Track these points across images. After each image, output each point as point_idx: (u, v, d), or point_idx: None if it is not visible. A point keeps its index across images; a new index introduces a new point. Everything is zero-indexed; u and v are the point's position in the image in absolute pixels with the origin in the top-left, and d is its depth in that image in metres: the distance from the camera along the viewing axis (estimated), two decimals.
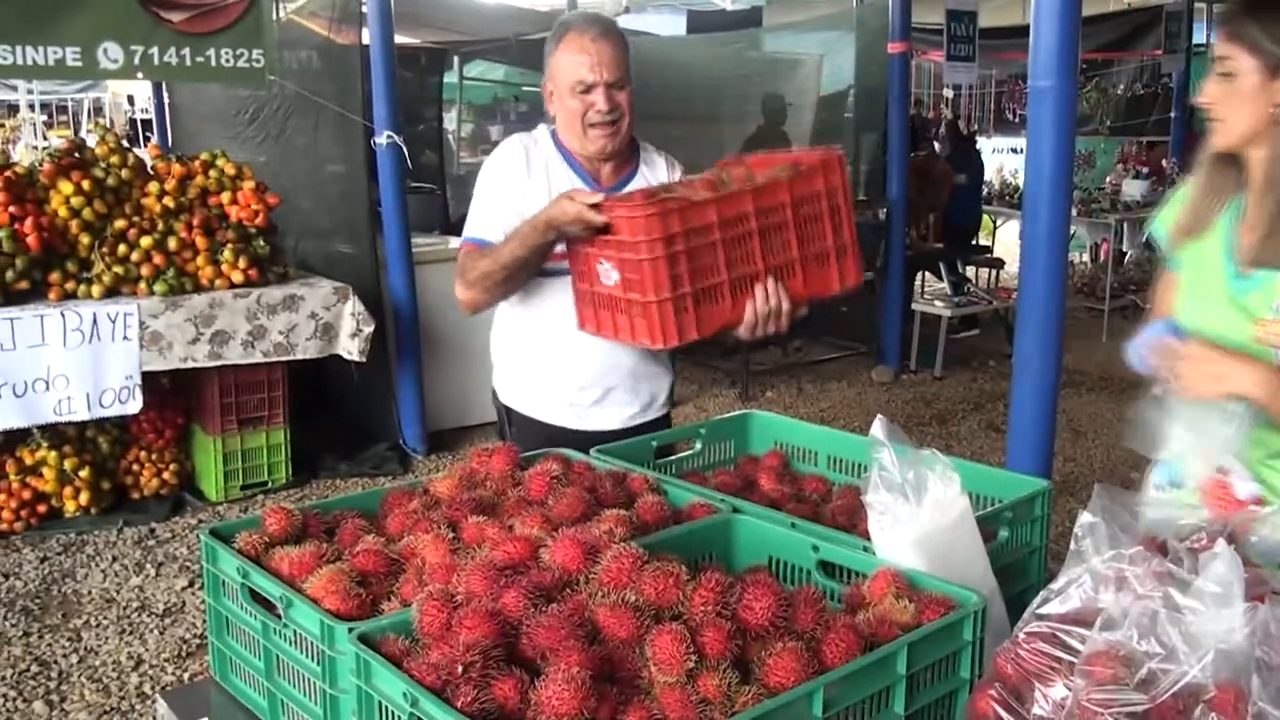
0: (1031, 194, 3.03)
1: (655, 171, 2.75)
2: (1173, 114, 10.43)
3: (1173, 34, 9.85)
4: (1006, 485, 2.04)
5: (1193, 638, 1.25)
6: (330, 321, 5.38)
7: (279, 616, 1.58)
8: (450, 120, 12.23)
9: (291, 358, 5.33)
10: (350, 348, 5.41)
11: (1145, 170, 9.86)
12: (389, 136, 5.81)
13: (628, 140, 2.70)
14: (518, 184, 2.65)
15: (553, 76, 2.63)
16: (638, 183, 2.69)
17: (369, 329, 5.42)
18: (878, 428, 1.73)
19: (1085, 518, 1.42)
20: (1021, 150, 13.57)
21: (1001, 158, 13.46)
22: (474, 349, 6.65)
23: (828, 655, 1.39)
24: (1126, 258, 10.27)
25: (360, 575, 1.61)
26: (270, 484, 5.53)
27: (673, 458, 2.31)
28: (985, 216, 10.77)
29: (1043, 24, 2.94)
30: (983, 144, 12.78)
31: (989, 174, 12.53)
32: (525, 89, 15.41)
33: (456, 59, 11.28)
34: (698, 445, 2.35)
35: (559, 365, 2.71)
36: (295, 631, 1.55)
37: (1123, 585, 1.36)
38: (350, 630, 1.42)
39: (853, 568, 1.69)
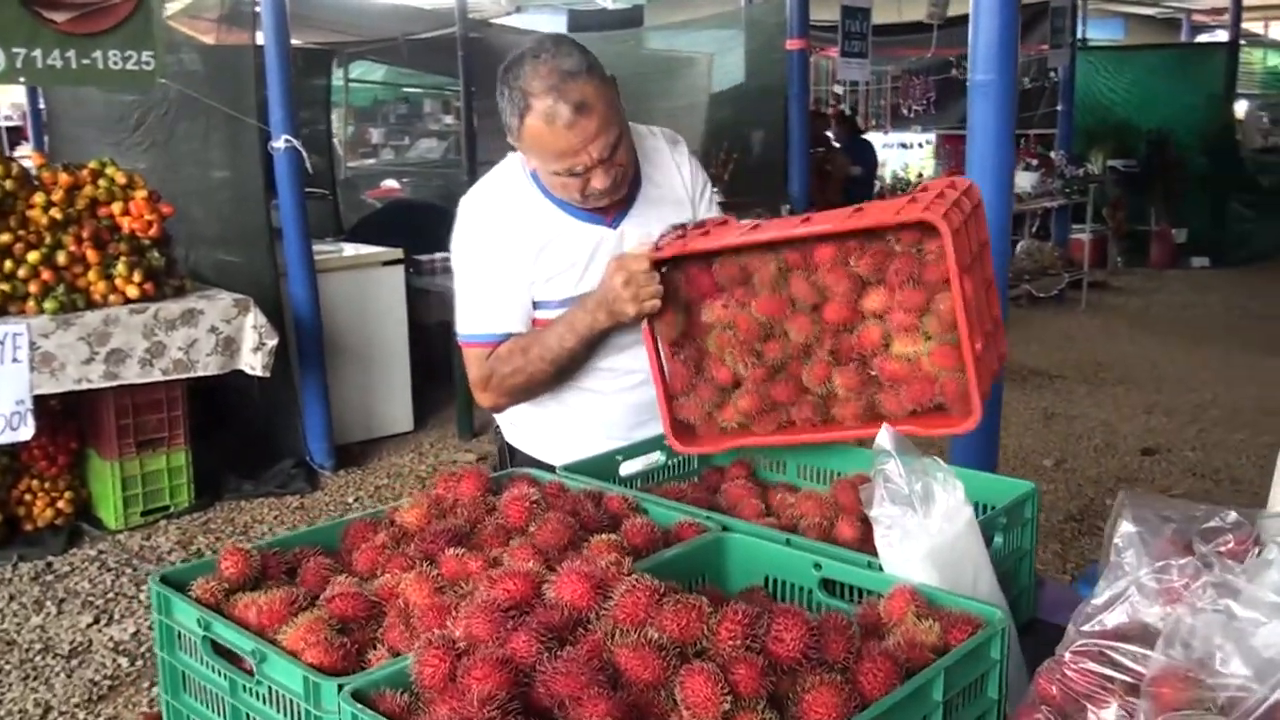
0: None
1: (658, 165, 2.42)
2: (1059, 107, 10.67)
3: (1058, 29, 10.06)
4: (990, 489, 1.98)
5: (1254, 651, 1.19)
6: (231, 335, 5.14)
7: (248, 671, 1.43)
8: (335, 123, 11.91)
9: (192, 375, 5.08)
10: (253, 362, 5.18)
11: (1035, 163, 10.06)
12: (287, 140, 5.59)
13: None
14: (512, 252, 2.30)
15: (523, 148, 2.22)
16: (645, 192, 2.38)
17: (272, 342, 5.20)
18: (884, 438, 1.65)
19: (1125, 527, 1.36)
20: (911, 145, 13.79)
21: (892, 153, 13.64)
22: (379, 358, 6.51)
23: (865, 686, 1.30)
24: (1018, 247, 10.46)
25: (339, 621, 1.47)
26: (173, 508, 5.27)
27: (635, 471, 2.19)
28: None
29: (982, 18, 2.90)
30: (874, 139, 12.94)
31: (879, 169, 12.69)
32: (408, 90, 15.17)
33: (335, 60, 10.96)
34: (662, 457, 2.25)
35: (591, 411, 2.44)
36: (270, 688, 1.41)
37: (1173, 598, 1.30)
38: (341, 686, 1.28)
39: (861, 586, 1.61)
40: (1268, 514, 1.47)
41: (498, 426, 2.62)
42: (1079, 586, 1.83)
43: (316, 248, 6.28)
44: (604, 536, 1.63)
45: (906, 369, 1.94)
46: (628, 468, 2.19)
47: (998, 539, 1.82)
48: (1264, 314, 9.73)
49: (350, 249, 6.79)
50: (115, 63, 4.95)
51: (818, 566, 1.64)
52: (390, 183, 12.34)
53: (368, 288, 6.40)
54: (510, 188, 2.35)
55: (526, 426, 2.52)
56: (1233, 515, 1.45)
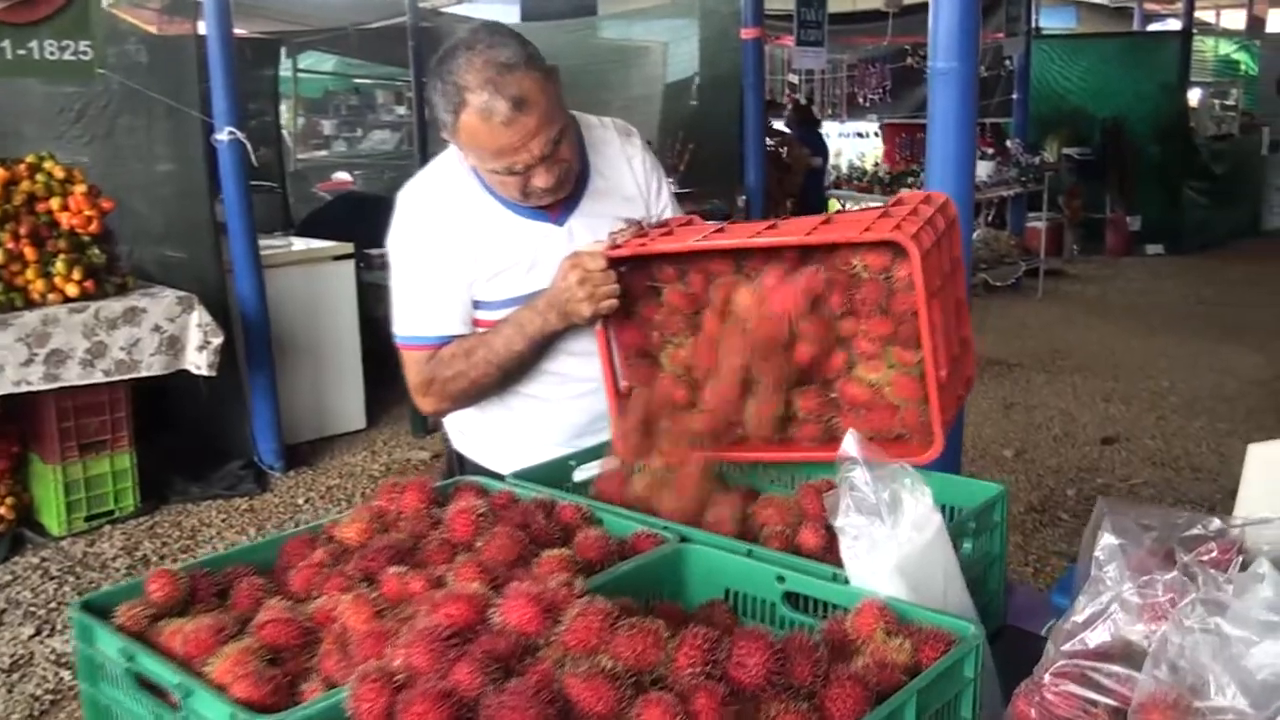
0: (936, 180, 2.92)
1: (607, 158, 2.30)
2: (1015, 96, 10.67)
3: (1013, 17, 10.05)
4: (957, 491, 1.91)
5: (1247, 673, 1.13)
6: (175, 334, 5.00)
7: (174, 705, 1.33)
8: (284, 115, 11.71)
9: (135, 376, 4.93)
10: (198, 362, 5.04)
11: (990, 151, 10.05)
12: (230, 133, 5.44)
13: None
14: (451, 251, 2.17)
15: (459, 145, 2.08)
16: (593, 186, 2.26)
17: (218, 340, 5.06)
18: (850, 444, 1.57)
19: (1106, 539, 1.28)
20: (867, 135, 13.76)
21: (847, 142, 13.61)
22: (330, 355, 6.37)
23: (833, 712, 1.22)
24: (975, 236, 10.45)
25: (270, 650, 1.37)
26: (118, 512, 5.12)
27: (590, 476, 2.10)
28: (831, 201, 10.83)
29: (943, 5, 2.83)
30: (830, 128, 12.91)
31: (833, 159, 12.66)
32: (359, 81, 14.96)
33: (283, 50, 10.77)
34: (617, 462, 2.16)
35: (539, 419, 2.32)
36: None
37: (1158, 615, 1.23)
38: None
39: (826, 599, 1.53)
40: (1251, 520, 1.41)
41: (446, 434, 2.52)
42: (1053, 595, 1.76)
43: (265, 243, 6.14)
44: (555, 551, 1.55)
45: (868, 395, 1.89)
46: (582, 473, 2.10)
47: (966, 544, 1.75)
48: (1218, 301, 9.79)
49: (300, 244, 6.64)
50: (52, 53, 4.78)
51: (781, 579, 1.56)
52: (342, 175, 12.17)
53: (317, 283, 6.26)
54: (449, 182, 2.23)
55: (475, 434, 2.42)
56: (1215, 523, 1.39)
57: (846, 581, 1.52)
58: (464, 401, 2.29)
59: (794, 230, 1.90)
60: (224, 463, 5.61)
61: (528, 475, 1.97)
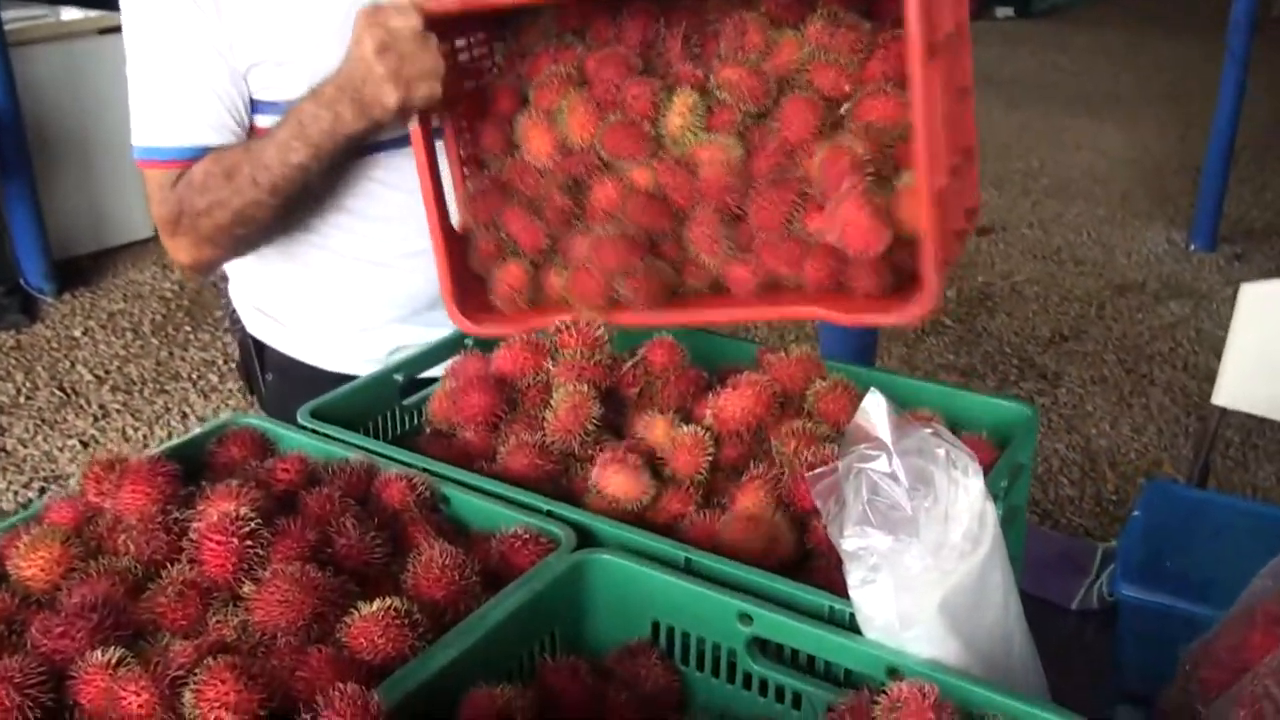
0: None
1: None
2: None
3: None
4: (965, 411, 1.34)
5: None
6: None
7: None
8: None
9: None
10: None
11: None
12: None
13: None
14: (209, 12, 1.46)
15: None
16: None
17: None
18: (873, 407, 0.95)
19: None
20: None
21: None
22: (103, 151, 5.35)
23: None
24: None
25: None
26: None
27: (426, 390, 1.43)
28: None
29: None
30: None
31: None
32: None
33: None
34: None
35: (364, 279, 1.64)
36: None
37: None
38: None
39: (820, 655, 0.96)
40: None
41: (234, 312, 1.79)
42: (1119, 584, 1.23)
43: (16, 13, 5.03)
44: (377, 606, 0.92)
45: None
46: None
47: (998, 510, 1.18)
48: (1077, 70, 9.36)
49: (71, 13, 5.49)
50: None
51: (747, 619, 0.97)
52: None
53: (82, 63, 5.16)
54: None
55: (276, 311, 1.71)
56: None
57: (851, 619, 0.95)
58: (230, 245, 1.55)
59: None
60: None
61: (330, 411, 1.30)
